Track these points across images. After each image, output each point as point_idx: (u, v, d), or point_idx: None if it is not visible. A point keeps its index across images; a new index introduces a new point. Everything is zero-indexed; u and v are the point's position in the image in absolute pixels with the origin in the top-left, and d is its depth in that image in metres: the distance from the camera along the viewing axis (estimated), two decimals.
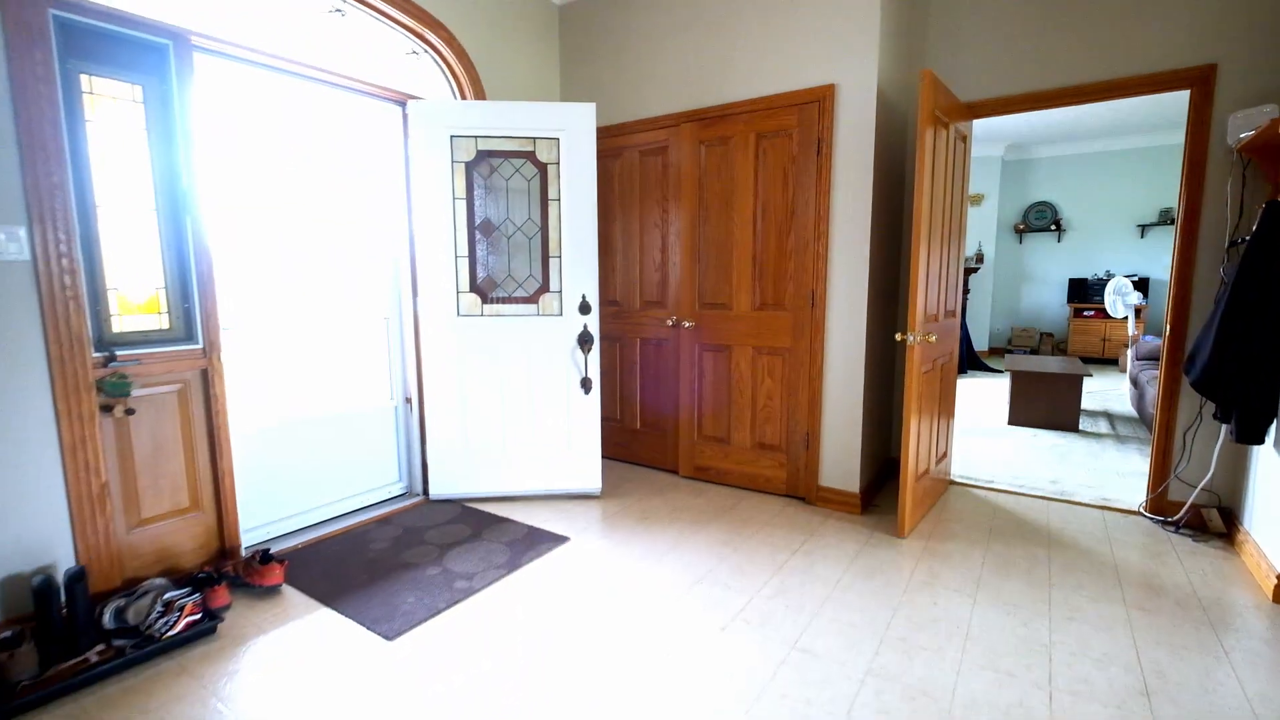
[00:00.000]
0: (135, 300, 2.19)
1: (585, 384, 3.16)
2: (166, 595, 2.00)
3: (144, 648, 1.87)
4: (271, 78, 2.56)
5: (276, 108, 2.65)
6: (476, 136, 2.97)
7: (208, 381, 2.34)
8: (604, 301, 3.80)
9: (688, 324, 3.43)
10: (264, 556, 2.32)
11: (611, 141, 3.62)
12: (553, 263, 3.10)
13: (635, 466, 3.79)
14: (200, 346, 2.31)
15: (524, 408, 3.15)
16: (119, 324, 2.15)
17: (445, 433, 3.13)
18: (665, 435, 3.67)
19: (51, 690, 1.71)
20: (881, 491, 3.34)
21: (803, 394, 3.15)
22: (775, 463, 3.27)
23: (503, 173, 3.02)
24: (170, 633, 1.91)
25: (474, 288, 3.08)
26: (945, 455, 3.34)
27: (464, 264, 3.04)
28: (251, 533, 2.65)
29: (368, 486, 3.11)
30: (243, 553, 2.52)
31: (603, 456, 3.97)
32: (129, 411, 2.13)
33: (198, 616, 1.99)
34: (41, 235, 1.90)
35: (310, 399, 2.88)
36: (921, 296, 2.68)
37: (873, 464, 3.26)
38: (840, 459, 3.09)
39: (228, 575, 2.30)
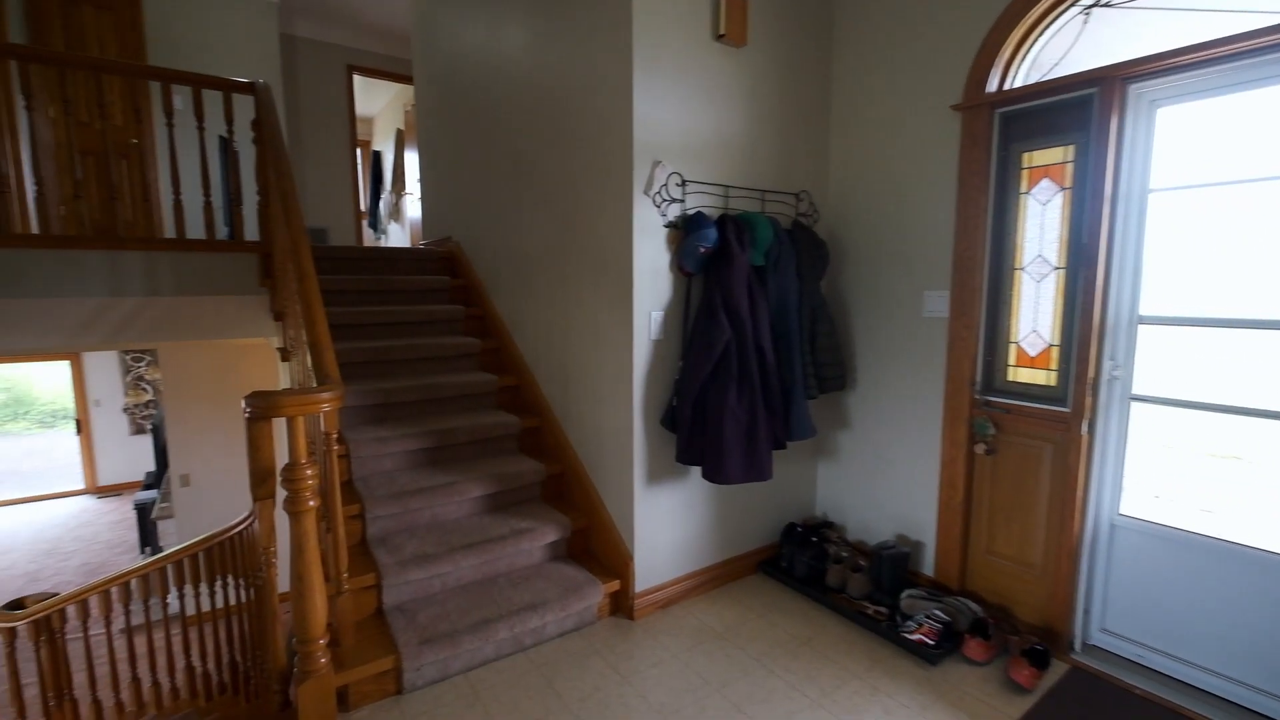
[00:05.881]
0: (1031, 354, 2.30)
1: None
2: (934, 611, 2.29)
3: (878, 626, 2.32)
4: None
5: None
6: None
7: (1064, 448, 2.16)
8: None
9: None
10: (1035, 656, 2.07)
11: None
12: None
13: None
14: (1068, 410, 2.16)
15: None
16: (1012, 374, 2.35)
17: None
18: None
19: (838, 607, 2.50)
20: None
21: None
22: None
23: None
24: (902, 632, 2.26)
25: None
26: None
27: None
28: (1110, 638, 2.21)
29: None
30: (1077, 633, 2.22)
31: None
32: (989, 451, 2.37)
33: (929, 641, 2.20)
34: (956, 297, 2.41)
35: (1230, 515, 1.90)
36: None
37: None
38: None
39: (1007, 644, 2.21)
